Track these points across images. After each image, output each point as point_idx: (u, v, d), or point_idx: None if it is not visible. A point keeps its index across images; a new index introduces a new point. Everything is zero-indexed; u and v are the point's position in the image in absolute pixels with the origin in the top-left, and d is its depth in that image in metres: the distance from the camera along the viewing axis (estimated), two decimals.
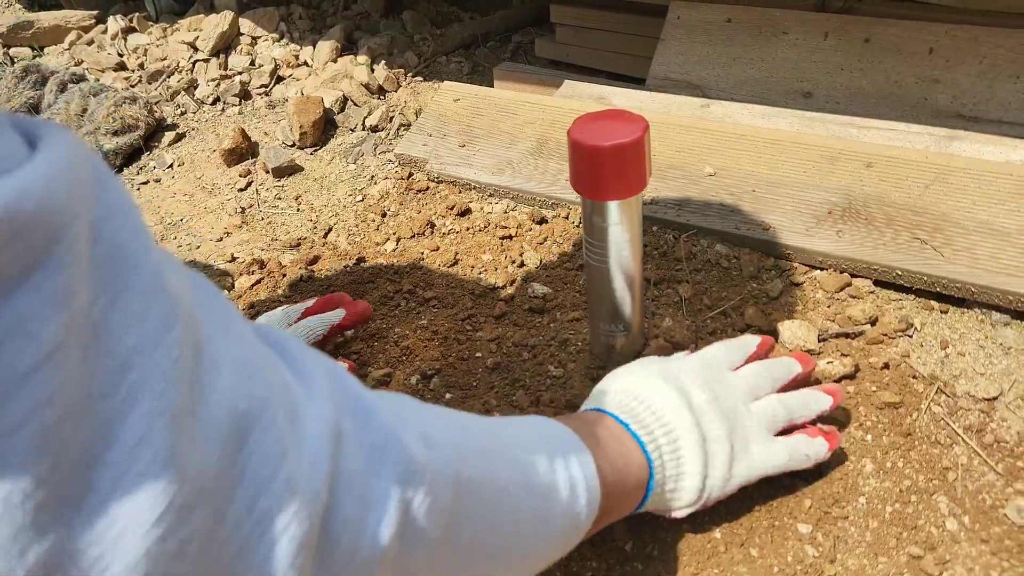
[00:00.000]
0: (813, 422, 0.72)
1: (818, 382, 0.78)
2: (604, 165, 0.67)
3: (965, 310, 0.88)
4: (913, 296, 0.90)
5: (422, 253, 1.08)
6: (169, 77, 1.69)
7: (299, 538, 0.33)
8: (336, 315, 0.89)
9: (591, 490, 0.54)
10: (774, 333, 0.86)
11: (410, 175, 1.23)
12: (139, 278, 0.29)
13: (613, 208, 0.71)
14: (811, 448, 0.69)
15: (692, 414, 0.64)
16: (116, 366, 0.28)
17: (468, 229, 1.10)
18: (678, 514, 0.65)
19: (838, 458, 0.74)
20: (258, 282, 1.07)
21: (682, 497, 0.64)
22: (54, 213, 0.26)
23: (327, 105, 1.45)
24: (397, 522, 0.38)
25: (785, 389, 0.72)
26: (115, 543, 0.27)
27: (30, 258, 0.25)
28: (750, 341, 0.74)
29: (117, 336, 0.28)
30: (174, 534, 0.29)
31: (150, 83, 1.69)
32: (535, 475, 0.51)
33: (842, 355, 0.83)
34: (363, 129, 1.43)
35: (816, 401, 0.71)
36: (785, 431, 0.70)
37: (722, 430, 0.65)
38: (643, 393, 0.65)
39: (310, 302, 0.91)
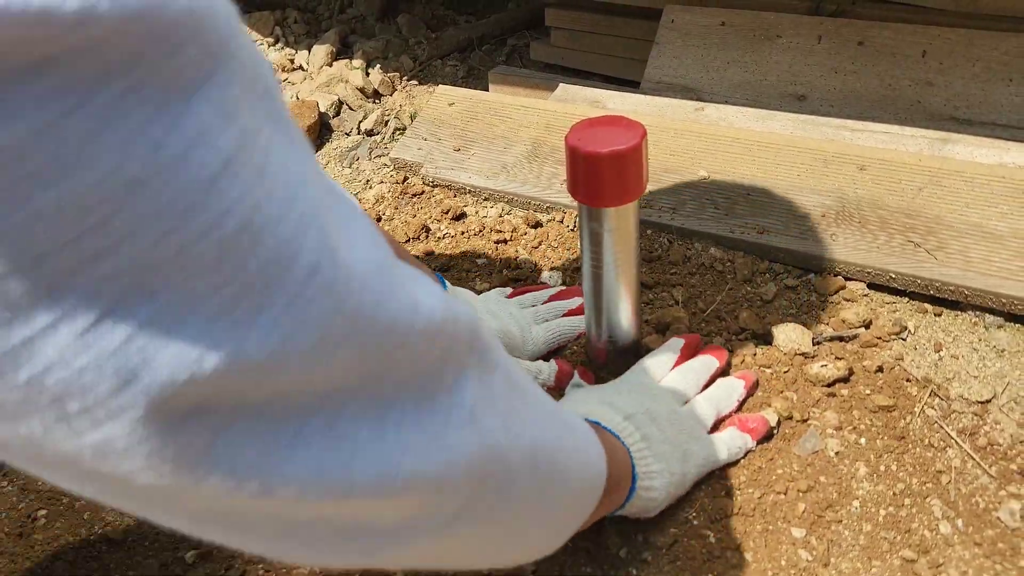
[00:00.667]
0: (737, 409, 0.79)
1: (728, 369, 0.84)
2: (602, 172, 0.67)
3: (959, 313, 0.88)
4: (907, 299, 0.90)
5: (417, 257, 1.08)
6: None
7: (423, 351, 0.35)
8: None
9: (600, 460, 0.55)
10: (768, 336, 0.86)
11: (405, 179, 1.23)
12: (291, 126, 0.31)
13: (610, 214, 0.71)
14: (743, 440, 0.75)
15: (640, 422, 0.69)
16: (286, 195, 0.28)
17: (463, 233, 1.10)
18: (651, 514, 0.69)
19: (831, 462, 0.74)
20: None
21: (657, 496, 0.67)
22: (222, 23, 0.26)
23: (322, 109, 1.45)
24: (476, 396, 0.39)
25: (708, 384, 0.79)
26: (285, 358, 0.28)
27: (205, 64, 0.25)
28: (674, 345, 0.81)
29: (284, 166, 0.29)
30: (331, 353, 0.30)
31: None
32: (566, 413, 0.53)
33: (836, 358, 0.83)
34: (358, 133, 1.43)
35: (734, 389, 0.78)
36: (716, 424, 0.77)
37: (666, 434, 0.70)
38: (595, 407, 0.71)
39: (574, 303, 0.91)
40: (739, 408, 0.79)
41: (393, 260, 0.35)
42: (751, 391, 0.80)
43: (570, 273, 1.00)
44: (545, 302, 0.92)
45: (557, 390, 0.82)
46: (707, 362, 0.80)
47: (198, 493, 0.29)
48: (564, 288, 0.95)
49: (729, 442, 0.74)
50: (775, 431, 0.77)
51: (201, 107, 0.25)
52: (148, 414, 0.26)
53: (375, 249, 0.34)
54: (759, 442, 0.76)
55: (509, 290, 0.95)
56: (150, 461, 0.27)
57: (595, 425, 0.65)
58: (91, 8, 0.21)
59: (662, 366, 0.79)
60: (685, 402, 0.76)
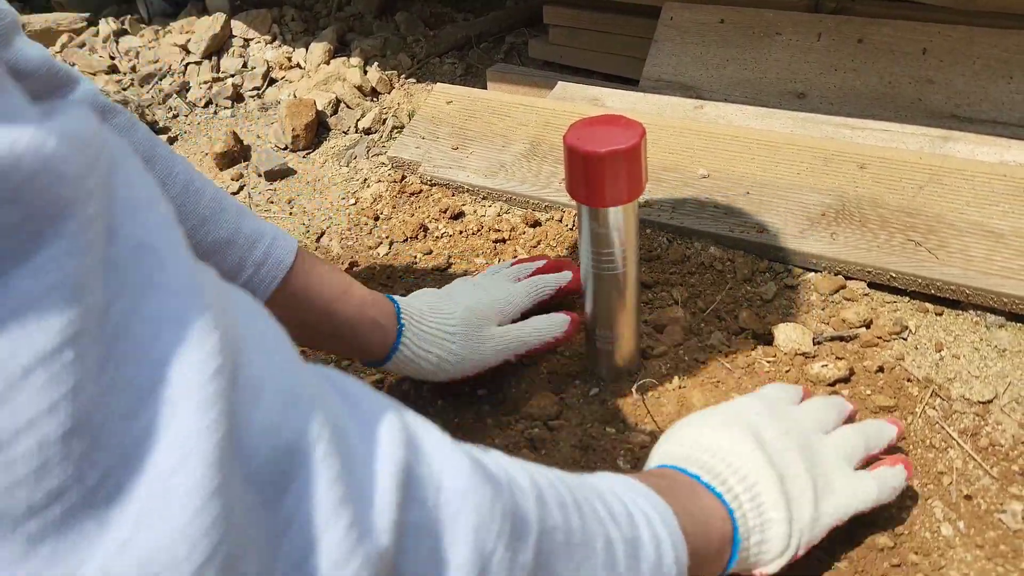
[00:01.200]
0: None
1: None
2: (600, 171, 0.67)
3: (960, 312, 0.88)
4: (907, 298, 0.90)
5: (415, 257, 1.07)
6: (161, 80, 1.69)
7: None
8: (564, 277, 0.88)
9: (677, 547, 0.48)
10: (769, 336, 0.86)
11: (403, 178, 1.23)
12: (167, 277, 0.25)
13: (609, 214, 0.70)
14: (896, 479, 0.65)
15: (764, 452, 0.59)
16: (142, 383, 0.24)
17: (461, 232, 1.10)
18: (768, 569, 0.59)
19: None
20: None
21: (771, 548, 0.57)
22: (63, 182, 0.22)
23: (320, 107, 1.45)
24: None
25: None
26: None
27: (32, 231, 0.21)
28: (800, 388, 0.72)
29: (142, 346, 0.24)
30: None
31: (142, 86, 1.68)
32: (618, 531, 0.45)
33: (837, 358, 0.82)
34: (356, 131, 1.42)
35: (885, 429, 0.69)
36: (863, 464, 0.66)
37: (800, 466, 0.60)
38: (708, 441, 0.60)
39: (540, 263, 0.90)
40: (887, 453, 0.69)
41: (311, 423, 0.28)
42: (901, 438, 0.72)
43: None
44: (509, 268, 0.91)
45: (567, 339, 0.83)
46: (843, 402, 0.71)
47: None
48: (523, 257, 0.94)
49: (882, 480, 0.64)
50: None
51: (24, 280, 0.21)
52: None
53: (287, 414, 0.28)
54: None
55: (469, 277, 0.90)
56: None
57: (681, 476, 0.57)
58: None
59: (792, 394, 0.70)
60: (825, 431, 0.66)
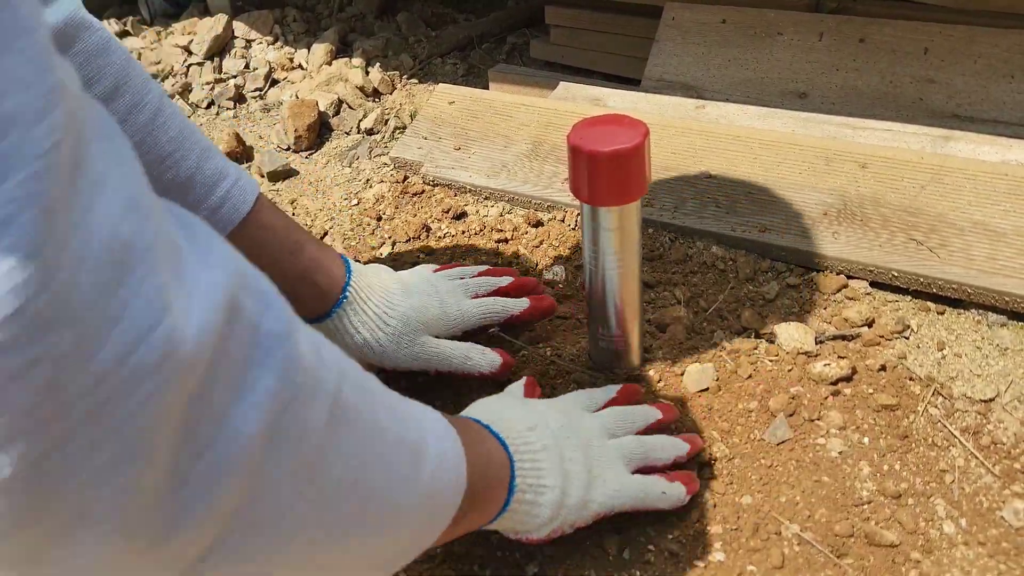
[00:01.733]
0: (671, 467, 0.71)
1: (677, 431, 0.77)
2: (604, 171, 0.67)
3: (961, 311, 0.88)
4: (909, 297, 0.90)
5: (418, 257, 1.07)
6: (163, 81, 1.69)
7: (164, 409, 0.28)
8: (520, 304, 0.86)
9: (457, 468, 0.51)
10: (771, 336, 0.86)
11: (405, 178, 1.23)
12: (25, 44, 0.25)
13: (612, 214, 0.71)
14: (668, 487, 0.68)
15: (552, 435, 0.64)
16: None
17: (464, 233, 1.10)
18: (535, 535, 0.64)
19: (834, 462, 0.74)
20: None
21: (541, 513, 0.62)
22: None
23: (322, 108, 1.45)
24: (267, 422, 0.33)
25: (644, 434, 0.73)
26: None
27: None
28: (610, 389, 0.76)
29: None
30: (22, 349, 0.24)
31: None
32: (409, 432, 0.47)
33: (839, 357, 0.83)
34: (358, 132, 1.42)
35: (674, 446, 0.71)
36: (642, 471, 0.69)
37: (578, 454, 0.65)
38: (505, 412, 0.66)
39: (505, 280, 0.88)
40: (673, 468, 0.71)
41: (153, 231, 0.29)
42: (693, 456, 0.73)
43: (572, 272, 1.00)
44: (474, 277, 0.88)
45: (493, 379, 0.80)
46: (646, 411, 0.73)
47: None
48: (492, 267, 0.92)
49: (650, 483, 0.67)
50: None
51: None
52: None
53: (127, 217, 0.28)
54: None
55: (435, 266, 0.91)
56: None
57: (475, 424, 0.62)
58: None
59: (599, 399, 0.74)
60: (612, 437, 0.70)
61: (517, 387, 0.76)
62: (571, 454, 0.64)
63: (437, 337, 0.81)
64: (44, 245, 0.24)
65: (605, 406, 0.74)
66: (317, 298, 0.76)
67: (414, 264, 1.06)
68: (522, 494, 0.61)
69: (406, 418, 0.47)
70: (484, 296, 0.86)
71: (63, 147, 0.25)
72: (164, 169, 0.67)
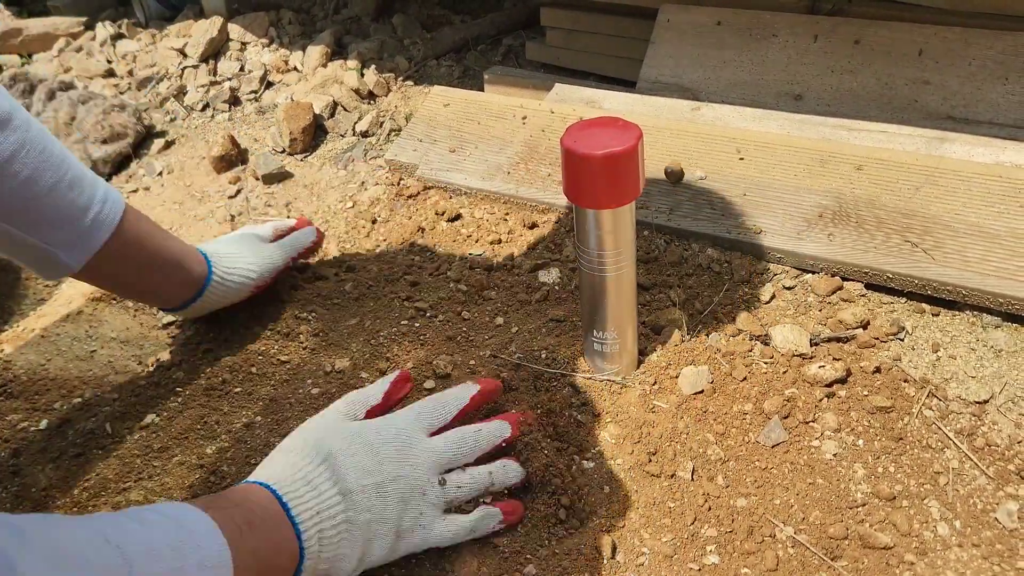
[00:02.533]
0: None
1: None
2: (597, 174, 0.67)
3: (956, 313, 0.88)
4: (904, 299, 0.90)
5: (412, 259, 1.07)
6: (158, 84, 1.69)
7: None
8: (309, 234, 1.08)
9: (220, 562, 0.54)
10: (766, 337, 0.86)
11: (400, 181, 1.23)
12: None
13: (606, 216, 0.70)
14: (487, 522, 0.69)
15: (348, 507, 0.64)
16: None
17: (458, 235, 1.10)
18: None
19: (829, 464, 0.74)
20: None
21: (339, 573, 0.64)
22: None
23: (317, 111, 1.45)
24: None
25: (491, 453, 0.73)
26: None
27: None
28: (463, 395, 0.74)
29: None
30: None
31: (139, 90, 1.68)
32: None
33: (834, 359, 0.82)
34: (353, 135, 1.42)
35: (500, 473, 0.71)
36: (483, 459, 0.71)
37: (386, 519, 0.65)
38: (310, 473, 0.64)
39: (291, 222, 1.10)
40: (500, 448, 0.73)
41: None
42: (516, 434, 0.74)
43: (567, 274, 0.99)
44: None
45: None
46: (492, 431, 0.73)
47: None
48: (301, 218, 1.10)
49: (473, 524, 0.68)
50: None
51: None
52: None
53: None
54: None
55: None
56: None
57: (265, 499, 0.62)
58: None
59: (437, 416, 0.73)
60: (446, 470, 0.70)
61: (355, 405, 0.73)
62: (377, 516, 0.65)
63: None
64: None
65: (453, 419, 0.73)
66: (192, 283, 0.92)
67: (409, 266, 1.06)
68: (313, 567, 0.62)
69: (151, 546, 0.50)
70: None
71: None
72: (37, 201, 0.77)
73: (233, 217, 1.27)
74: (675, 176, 1.03)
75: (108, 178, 1.43)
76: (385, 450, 0.68)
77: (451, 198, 1.17)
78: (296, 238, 1.04)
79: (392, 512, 0.66)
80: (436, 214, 1.14)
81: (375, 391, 0.74)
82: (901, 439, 0.76)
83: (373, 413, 0.73)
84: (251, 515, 0.59)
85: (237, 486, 0.64)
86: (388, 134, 1.40)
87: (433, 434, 0.72)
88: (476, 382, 0.76)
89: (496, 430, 0.73)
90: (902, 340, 0.86)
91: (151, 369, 0.95)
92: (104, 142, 1.44)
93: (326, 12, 1.87)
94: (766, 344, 0.86)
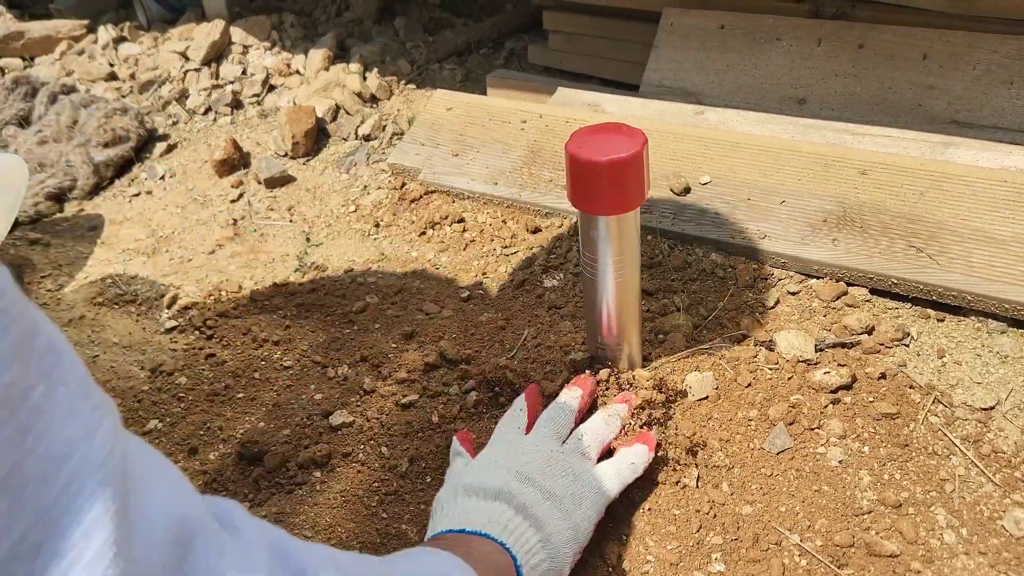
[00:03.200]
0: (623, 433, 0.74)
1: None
2: (602, 180, 0.67)
3: (961, 318, 0.87)
4: (909, 304, 0.90)
5: (415, 263, 1.07)
6: (160, 87, 1.69)
7: None
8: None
9: None
10: (771, 343, 0.86)
11: (403, 185, 1.23)
12: (71, 376, 0.30)
13: (611, 222, 0.70)
14: (635, 456, 0.71)
15: (507, 502, 0.65)
16: (55, 455, 0.28)
17: (461, 239, 1.10)
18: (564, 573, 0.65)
19: (835, 471, 0.74)
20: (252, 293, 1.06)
21: (546, 567, 0.63)
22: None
23: (319, 114, 1.44)
24: None
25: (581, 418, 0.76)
26: None
27: None
28: (571, 400, 0.76)
29: (56, 424, 0.28)
30: None
31: (141, 93, 1.68)
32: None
33: (839, 365, 0.82)
34: (356, 138, 1.42)
35: (616, 414, 0.74)
36: (603, 454, 0.72)
37: (543, 489, 0.66)
38: (461, 513, 0.65)
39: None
40: (623, 433, 0.74)
41: (201, 513, 0.34)
42: (633, 411, 0.75)
43: (571, 278, 0.99)
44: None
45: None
46: (572, 395, 0.76)
47: None
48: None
49: (618, 467, 0.70)
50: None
51: None
52: None
53: (178, 501, 0.33)
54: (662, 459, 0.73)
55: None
56: None
57: (462, 535, 0.63)
58: None
59: (517, 419, 0.75)
60: (561, 439, 0.72)
61: (457, 447, 0.75)
62: (537, 495, 0.65)
63: None
64: (121, 544, 0.28)
65: (576, 421, 0.75)
66: None
67: (413, 272, 1.05)
68: (524, 565, 0.62)
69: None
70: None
71: (116, 451, 0.30)
72: None
73: (235, 221, 1.26)
74: (681, 191, 1.03)
75: (110, 182, 1.43)
76: (501, 447, 0.71)
77: (454, 202, 1.16)
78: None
79: (546, 482, 0.67)
80: (439, 218, 1.14)
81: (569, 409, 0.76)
82: (907, 446, 0.75)
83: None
84: (454, 545, 0.60)
85: (457, 535, 0.64)
86: (391, 138, 1.40)
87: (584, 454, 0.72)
88: (577, 385, 0.78)
89: (572, 395, 0.76)
90: (907, 346, 0.85)
91: (153, 374, 0.95)
92: (106, 146, 1.44)
93: (328, 15, 1.87)
94: (771, 350, 0.85)
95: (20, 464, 0.26)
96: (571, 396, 0.76)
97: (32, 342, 0.28)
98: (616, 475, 0.69)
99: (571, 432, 0.74)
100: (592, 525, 0.67)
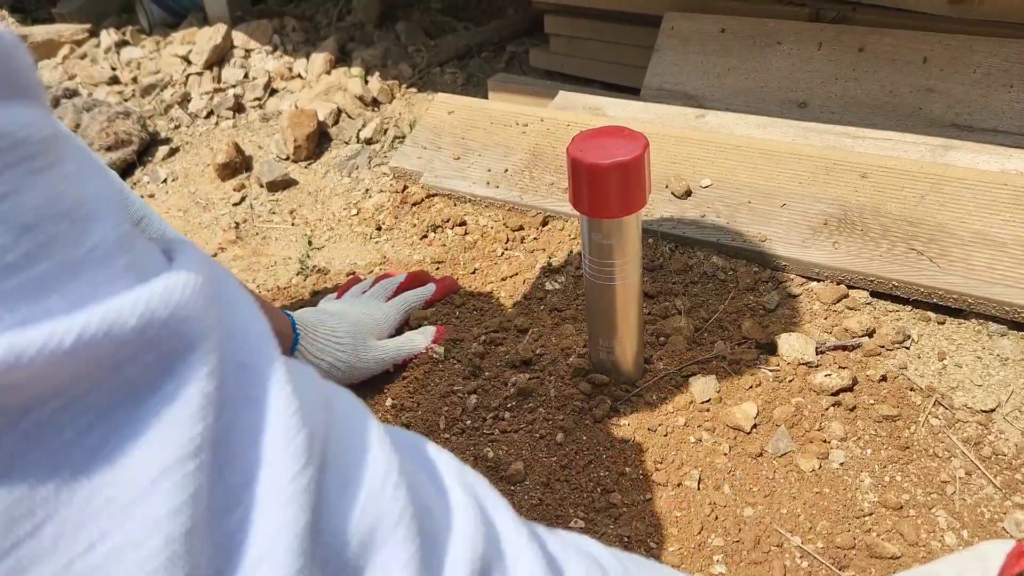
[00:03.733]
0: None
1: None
2: (603, 183, 0.67)
3: (962, 321, 0.88)
4: (910, 307, 0.90)
5: (417, 265, 1.07)
6: (163, 91, 1.69)
7: None
8: (428, 290, 1.00)
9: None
10: (772, 346, 0.86)
11: (405, 188, 1.23)
12: (260, 391, 0.29)
13: (612, 225, 0.70)
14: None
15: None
16: (239, 482, 0.27)
17: (463, 241, 1.10)
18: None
19: (836, 473, 0.74)
20: None
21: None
22: (189, 323, 0.26)
23: (321, 118, 1.45)
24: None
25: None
26: None
27: (165, 365, 0.25)
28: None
29: (240, 451, 0.27)
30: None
31: (143, 97, 1.69)
32: None
33: (840, 367, 0.82)
34: (357, 142, 1.42)
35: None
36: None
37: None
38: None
39: (401, 277, 1.01)
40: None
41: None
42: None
43: (572, 281, 0.99)
44: (370, 287, 1.01)
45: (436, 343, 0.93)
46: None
47: None
48: (383, 273, 1.04)
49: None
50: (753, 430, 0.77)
51: (156, 407, 0.25)
52: None
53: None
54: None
55: (333, 295, 1.02)
56: None
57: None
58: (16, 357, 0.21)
59: (389, 287, 0.99)
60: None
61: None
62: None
63: (378, 340, 0.92)
64: (299, 571, 0.27)
65: (395, 292, 0.98)
66: (279, 341, 0.84)
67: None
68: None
69: None
70: (393, 296, 0.99)
71: (309, 466, 0.28)
72: None
73: (238, 224, 1.27)
74: (682, 194, 1.03)
75: None
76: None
77: (455, 205, 1.17)
78: (406, 298, 0.99)
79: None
80: (441, 221, 1.14)
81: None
82: (908, 448, 0.76)
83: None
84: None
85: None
86: (392, 141, 1.40)
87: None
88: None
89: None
90: (908, 348, 0.86)
91: None
92: (109, 149, 1.44)
93: (329, 19, 1.87)
94: (772, 353, 0.86)
95: (210, 496, 0.26)
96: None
97: (220, 369, 0.28)
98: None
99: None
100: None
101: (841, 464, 0.75)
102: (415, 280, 1.01)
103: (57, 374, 0.23)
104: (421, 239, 1.12)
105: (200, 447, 0.25)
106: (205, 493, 0.26)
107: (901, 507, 0.71)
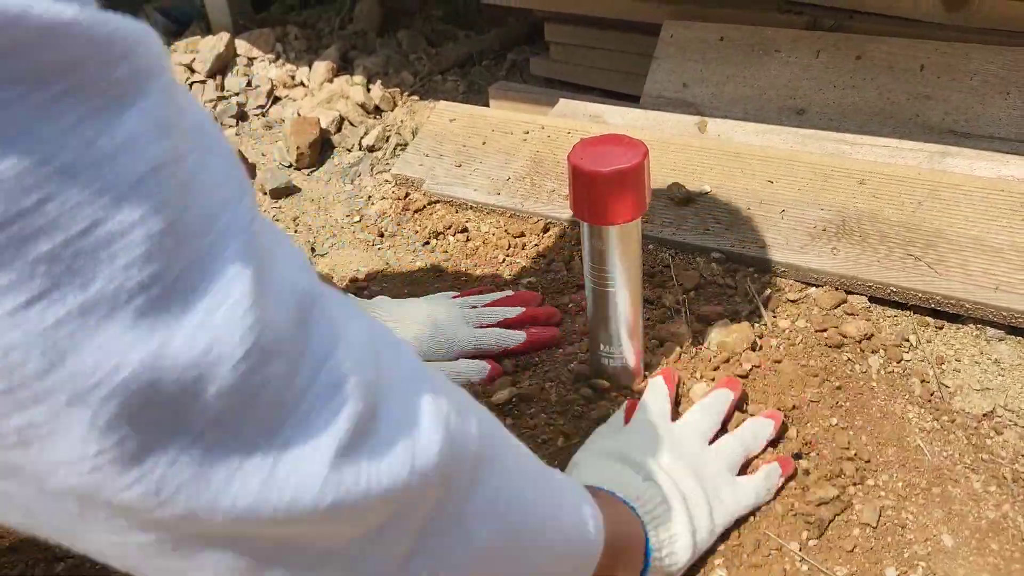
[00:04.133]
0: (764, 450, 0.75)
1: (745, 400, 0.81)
2: (604, 190, 0.68)
3: (960, 326, 0.88)
4: (908, 312, 0.91)
5: (419, 272, 1.08)
6: None
7: (356, 416, 0.34)
8: (515, 339, 0.89)
9: (597, 518, 0.54)
10: (773, 351, 0.87)
11: (407, 195, 1.24)
12: (221, 149, 0.33)
13: (613, 232, 0.71)
14: (771, 480, 0.71)
15: (666, 478, 0.66)
16: (208, 213, 0.31)
17: (465, 248, 1.11)
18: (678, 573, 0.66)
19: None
20: None
21: (678, 560, 0.64)
22: (154, 53, 0.29)
23: (324, 125, 1.46)
24: (441, 437, 0.38)
25: (725, 420, 0.76)
26: (211, 367, 0.29)
27: (137, 82, 0.28)
28: (718, 400, 0.76)
29: (208, 188, 0.31)
30: (256, 372, 0.31)
31: None
32: (551, 478, 0.52)
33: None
34: (360, 149, 1.43)
35: (764, 428, 0.75)
36: (744, 467, 0.73)
37: (695, 485, 0.67)
38: (608, 477, 0.67)
39: (512, 312, 0.91)
40: (765, 450, 0.75)
41: (319, 285, 0.36)
42: (779, 433, 0.76)
43: (572, 289, 1.00)
44: (487, 304, 0.92)
45: (482, 384, 0.85)
46: (723, 396, 0.76)
47: (113, 502, 0.29)
48: (512, 294, 0.95)
49: (758, 484, 0.70)
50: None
51: (132, 118, 0.28)
52: (73, 400, 0.26)
53: (301, 273, 0.35)
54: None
55: (453, 293, 0.96)
56: (70, 453, 0.27)
57: (606, 495, 0.63)
58: (22, 13, 0.24)
59: (663, 408, 0.76)
60: (710, 442, 0.73)
61: (617, 418, 0.77)
62: (689, 488, 0.66)
63: (428, 361, 0.85)
64: (258, 295, 0.31)
65: (722, 426, 0.76)
66: None
67: (417, 281, 1.07)
68: (659, 552, 0.63)
69: (546, 470, 0.52)
70: (487, 327, 0.89)
71: (255, 219, 0.33)
72: None
73: None
74: (681, 200, 1.04)
75: None
76: (647, 433, 0.72)
77: (457, 212, 1.18)
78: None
79: (693, 485, 0.67)
80: (443, 228, 1.15)
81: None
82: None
83: None
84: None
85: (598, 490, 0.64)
86: (394, 148, 1.41)
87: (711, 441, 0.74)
88: (726, 386, 0.78)
89: (723, 396, 0.77)
90: (906, 353, 0.86)
91: None
92: None
93: (331, 28, 1.88)
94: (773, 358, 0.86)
95: (182, 215, 0.29)
96: (719, 399, 0.76)
97: (182, 120, 0.31)
98: (754, 492, 0.70)
99: (716, 436, 0.74)
100: (719, 534, 0.68)
101: (841, 468, 0.75)
102: (530, 319, 0.91)
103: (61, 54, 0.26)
104: (423, 246, 1.13)
105: (167, 162, 0.29)
106: (177, 205, 0.29)
107: (899, 511, 0.71)
